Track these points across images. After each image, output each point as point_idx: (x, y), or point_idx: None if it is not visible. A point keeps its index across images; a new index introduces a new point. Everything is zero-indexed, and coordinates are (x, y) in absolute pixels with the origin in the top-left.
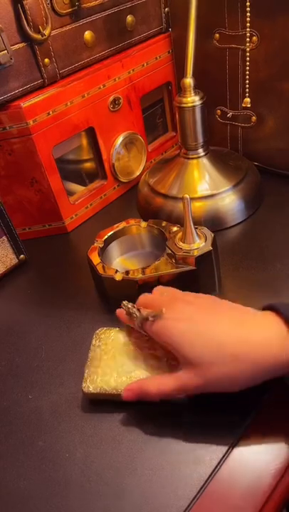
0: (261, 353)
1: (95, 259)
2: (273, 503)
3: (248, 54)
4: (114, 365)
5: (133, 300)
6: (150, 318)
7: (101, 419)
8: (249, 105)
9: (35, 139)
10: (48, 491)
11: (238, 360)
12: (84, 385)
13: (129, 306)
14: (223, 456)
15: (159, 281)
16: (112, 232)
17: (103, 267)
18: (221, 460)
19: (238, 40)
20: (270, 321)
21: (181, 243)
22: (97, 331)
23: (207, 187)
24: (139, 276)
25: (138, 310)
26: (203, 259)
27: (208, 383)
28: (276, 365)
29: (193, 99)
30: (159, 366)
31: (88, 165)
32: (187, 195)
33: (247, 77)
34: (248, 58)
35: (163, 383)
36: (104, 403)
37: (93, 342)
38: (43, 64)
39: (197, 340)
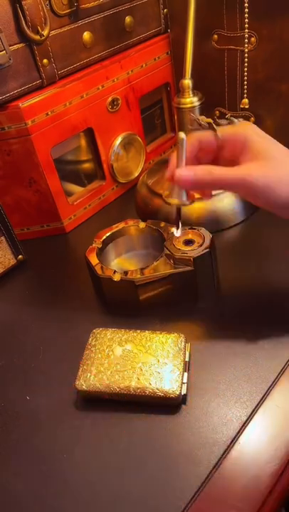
0: None
1: (94, 259)
2: (271, 503)
3: (246, 55)
4: (108, 363)
5: (132, 302)
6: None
7: (98, 420)
8: (247, 106)
9: (34, 139)
10: (45, 492)
11: None
12: (77, 382)
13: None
14: (221, 457)
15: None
16: (110, 233)
17: (101, 267)
18: (218, 461)
19: (237, 42)
20: None
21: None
22: (94, 330)
23: None
24: (138, 276)
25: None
26: (201, 260)
27: (265, 180)
28: None
29: (191, 100)
30: (152, 363)
31: (87, 165)
32: (183, 134)
33: (245, 78)
34: (246, 59)
35: (223, 172)
36: (101, 404)
37: (89, 341)
38: (41, 64)
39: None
